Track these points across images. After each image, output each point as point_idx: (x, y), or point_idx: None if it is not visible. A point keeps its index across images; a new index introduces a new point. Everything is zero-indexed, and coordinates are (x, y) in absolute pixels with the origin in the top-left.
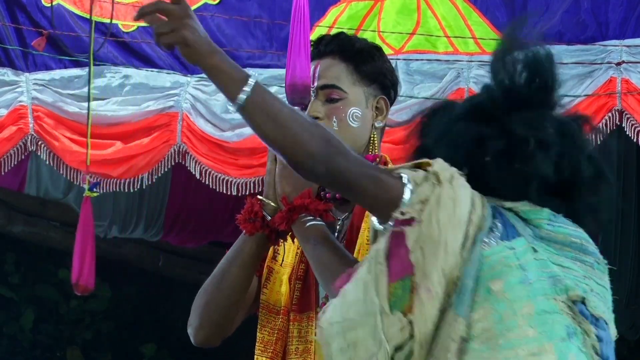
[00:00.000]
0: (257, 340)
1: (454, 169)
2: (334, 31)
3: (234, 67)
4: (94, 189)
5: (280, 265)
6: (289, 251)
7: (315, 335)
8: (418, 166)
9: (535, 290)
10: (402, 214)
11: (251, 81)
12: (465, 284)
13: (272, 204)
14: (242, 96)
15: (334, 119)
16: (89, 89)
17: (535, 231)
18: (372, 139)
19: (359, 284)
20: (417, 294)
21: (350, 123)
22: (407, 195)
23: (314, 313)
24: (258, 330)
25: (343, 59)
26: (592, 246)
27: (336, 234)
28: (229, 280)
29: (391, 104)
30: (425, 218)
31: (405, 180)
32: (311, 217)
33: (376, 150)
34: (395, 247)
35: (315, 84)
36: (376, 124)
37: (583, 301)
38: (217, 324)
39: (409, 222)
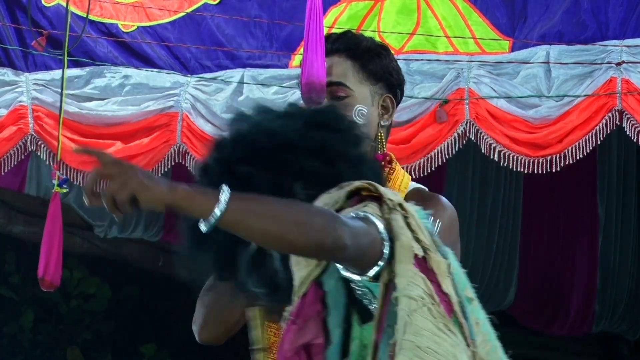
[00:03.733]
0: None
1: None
2: (334, 31)
3: (203, 190)
4: (64, 185)
5: None
6: None
7: None
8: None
9: None
10: (420, 252)
11: (224, 194)
12: (464, 302)
13: None
14: (222, 202)
15: None
16: (62, 75)
17: None
18: (379, 137)
19: (444, 334)
20: (463, 321)
21: (356, 120)
22: (385, 236)
23: None
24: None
25: (350, 56)
26: None
27: None
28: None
29: (397, 103)
30: (429, 247)
31: (376, 221)
32: None
33: (384, 149)
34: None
35: None
36: (382, 122)
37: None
38: (223, 323)
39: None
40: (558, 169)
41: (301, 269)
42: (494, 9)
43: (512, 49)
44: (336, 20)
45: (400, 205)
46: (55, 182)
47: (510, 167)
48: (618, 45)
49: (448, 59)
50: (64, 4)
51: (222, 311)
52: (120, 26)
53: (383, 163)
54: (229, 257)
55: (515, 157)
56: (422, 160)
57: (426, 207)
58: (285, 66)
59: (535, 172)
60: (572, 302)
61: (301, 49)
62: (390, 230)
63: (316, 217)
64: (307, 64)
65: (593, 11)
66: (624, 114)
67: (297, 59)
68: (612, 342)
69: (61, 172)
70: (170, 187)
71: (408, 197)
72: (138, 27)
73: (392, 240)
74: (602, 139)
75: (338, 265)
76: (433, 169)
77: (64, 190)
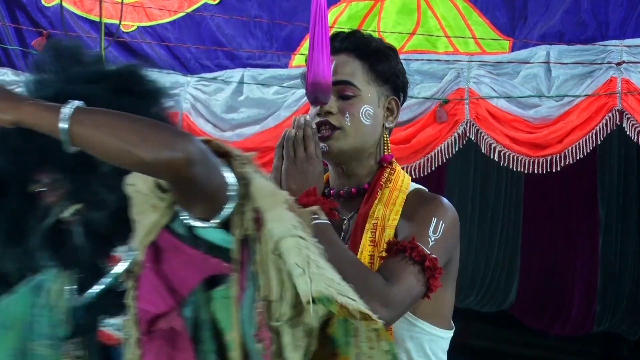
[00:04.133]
0: None
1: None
2: (334, 31)
3: (49, 105)
4: None
5: None
6: None
7: None
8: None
9: None
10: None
11: (70, 105)
12: None
13: None
14: (66, 114)
15: (347, 115)
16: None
17: None
18: (383, 138)
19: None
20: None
21: (362, 120)
22: (232, 181)
23: None
24: None
25: (358, 56)
26: None
27: (342, 234)
28: None
29: (401, 102)
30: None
31: (225, 167)
32: (316, 216)
33: (389, 150)
34: None
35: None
36: (387, 124)
37: None
38: None
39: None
40: (558, 169)
41: (147, 216)
42: (494, 9)
43: (512, 49)
44: (336, 20)
45: (249, 160)
46: None
47: (510, 167)
48: (618, 45)
49: (448, 59)
50: (65, 4)
51: None
52: (120, 26)
53: (386, 164)
54: (18, 225)
55: (515, 157)
56: (422, 160)
57: (428, 207)
58: (285, 66)
59: (535, 172)
60: (573, 302)
61: (301, 49)
62: (244, 182)
63: (163, 130)
64: (313, 63)
65: (593, 11)
66: (624, 114)
67: (297, 58)
68: (612, 342)
69: None
70: (15, 103)
71: (409, 198)
72: (138, 27)
73: (244, 196)
74: (602, 138)
75: (184, 213)
76: (433, 169)
77: None
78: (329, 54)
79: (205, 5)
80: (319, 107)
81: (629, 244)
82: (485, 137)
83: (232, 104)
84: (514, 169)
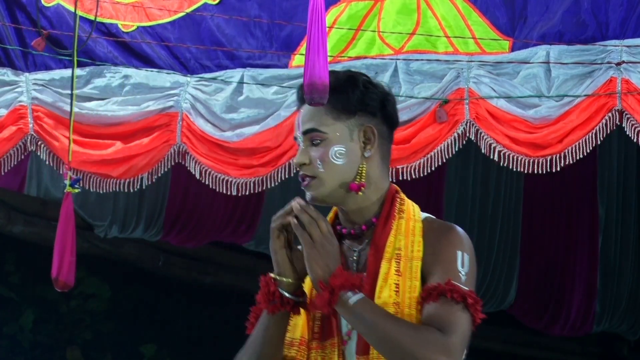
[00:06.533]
0: None
1: None
2: (334, 31)
3: None
4: (75, 185)
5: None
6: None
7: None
8: None
9: None
10: None
11: None
12: None
13: (288, 279)
14: None
15: (318, 162)
16: (72, 81)
17: None
18: (360, 170)
19: None
20: None
21: (334, 162)
22: None
23: (337, 339)
24: None
25: None
26: None
27: (354, 265)
28: (264, 358)
29: (388, 123)
30: None
31: None
32: (350, 293)
33: (361, 179)
34: None
35: (299, 131)
36: (365, 154)
37: None
38: None
39: None
40: (558, 169)
41: None
42: (494, 9)
43: (512, 49)
44: (336, 20)
45: None
46: (67, 182)
47: (510, 167)
48: (618, 45)
49: (448, 59)
50: (64, 4)
51: None
52: (120, 26)
53: (359, 192)
54: None
55: (515, 157)
56: (422, 160)
57: (450, 241)
58: (285, 66)
59: (535, 172)
60: (572, 302)
61: (301, 49)
62: None
63: None
64: (309, 65)
65: (593, 11)
66: (624, 114)
67: (297, 58)
68: (612, 342)
69: (61, 172)
70: None
71: (425, 227)
72: (138, 27)
73: None
74: (602, 139)
75: None
76: (433, 169)
77: (76, 190)
78: (325, 54)
79: (205, 5)
80: (297, 163)
81: (629, 244)
82: (485, 137)
83: (232, 104)
84: (514, 169)
